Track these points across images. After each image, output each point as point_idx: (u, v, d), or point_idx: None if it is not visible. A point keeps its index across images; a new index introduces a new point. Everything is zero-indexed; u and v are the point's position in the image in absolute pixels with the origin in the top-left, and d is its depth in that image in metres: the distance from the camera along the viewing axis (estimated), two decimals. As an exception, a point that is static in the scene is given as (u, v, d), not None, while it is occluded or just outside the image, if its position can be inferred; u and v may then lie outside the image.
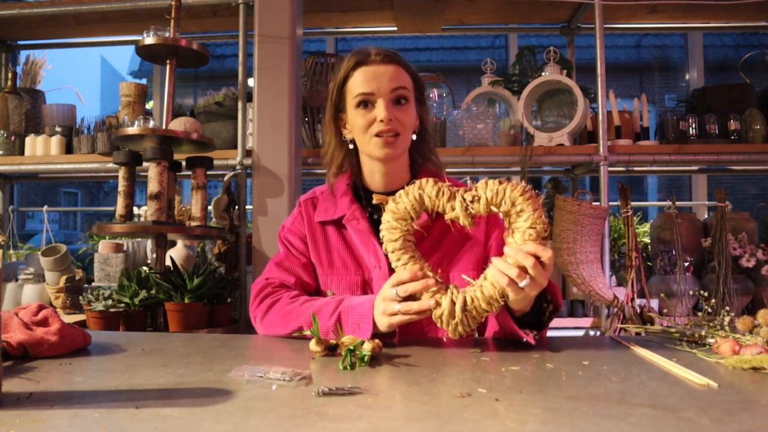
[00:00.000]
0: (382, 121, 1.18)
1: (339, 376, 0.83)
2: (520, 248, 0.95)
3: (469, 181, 1.03)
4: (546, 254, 0.94)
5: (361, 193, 1.30)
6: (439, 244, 1.23)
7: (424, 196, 1.01)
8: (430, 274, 1.01)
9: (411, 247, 1.04)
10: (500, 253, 1.23)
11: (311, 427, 0.60)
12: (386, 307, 1.02)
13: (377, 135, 1.19)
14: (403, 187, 1.27)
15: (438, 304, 0.99)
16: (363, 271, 1.24)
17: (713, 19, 3.17)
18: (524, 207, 0.96)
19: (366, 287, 1.24)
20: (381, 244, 1.11)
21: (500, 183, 0.98)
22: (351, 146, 1.28)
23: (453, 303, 0.98)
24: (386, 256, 1.11)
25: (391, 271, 1.10)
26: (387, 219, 1.03)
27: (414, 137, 1.27)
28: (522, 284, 0.94)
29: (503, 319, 1.05)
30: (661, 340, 1.11)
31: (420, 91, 1.26)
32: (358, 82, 1.20)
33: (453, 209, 1.00)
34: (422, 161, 1.31)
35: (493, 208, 0.98)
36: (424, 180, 1.03)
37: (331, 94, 1.27)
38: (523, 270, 0.94)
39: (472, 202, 0.98)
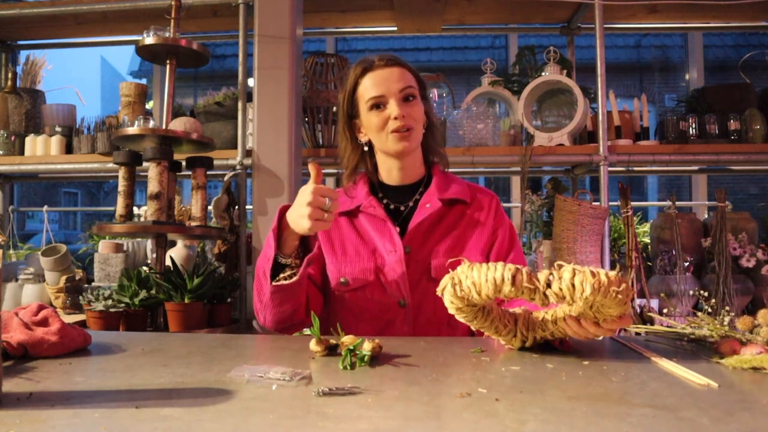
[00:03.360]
0: (396, 118, 1.27)
1: (339, 376, 0.83)
2: (604, 328, 0.93)
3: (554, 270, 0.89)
4: (627, 324, 0.94)
5: (376, 188, 1.38)
6: (452, 230, 1.32)
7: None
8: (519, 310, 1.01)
9: (482, 310, 0.97)
10: (504, 249, 1.32)
11: (311, 427, 0.60)
12: (312, 212, 1.08)
13: (393, 132, 1.27)
14: (419, 182, 1.37)
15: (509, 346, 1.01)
16: (375, 257, 1.30)
17: (713, 19, 3.16)
18: (616, 309, 0.88)
19: (378, 273, 1.28)
20: (397, 230, 1.28)
21: (595, 289, 0.83)
22: (366, 148, 1.36)
23: (523, 342, 1.00)
24: (401, 241, 1.27)
25: (406, 255, 1.27)
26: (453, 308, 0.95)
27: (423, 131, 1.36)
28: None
29: None
30: (661, 340, 1.11)
31: (423, 88, 1.36)
32: (368, 87, 1.29)
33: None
34: (431, 155, 1.40)
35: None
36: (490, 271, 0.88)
37: (342, 103, 1.36)
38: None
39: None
